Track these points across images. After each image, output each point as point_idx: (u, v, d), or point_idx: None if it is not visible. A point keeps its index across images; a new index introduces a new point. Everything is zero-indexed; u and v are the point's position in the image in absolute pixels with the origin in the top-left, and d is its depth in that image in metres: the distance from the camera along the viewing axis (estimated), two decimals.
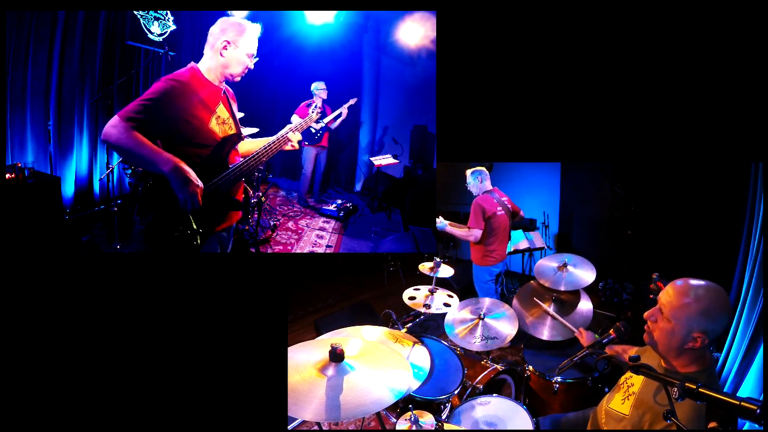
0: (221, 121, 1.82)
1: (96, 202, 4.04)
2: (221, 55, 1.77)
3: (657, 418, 1.31)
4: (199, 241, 1.75)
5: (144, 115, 1.59)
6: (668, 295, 1.33)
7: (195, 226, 1.73)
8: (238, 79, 1.84)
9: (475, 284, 3.31)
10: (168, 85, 1.65)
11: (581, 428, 1.70)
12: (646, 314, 1.38)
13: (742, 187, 2.70)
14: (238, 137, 1.89)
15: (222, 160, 1.79)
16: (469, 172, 3.20)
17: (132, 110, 1.59)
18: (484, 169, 3.18)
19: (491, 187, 3.17)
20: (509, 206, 3.19)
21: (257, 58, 1.85)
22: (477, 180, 3.15)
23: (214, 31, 1.79)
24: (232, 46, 1.76)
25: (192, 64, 1.79)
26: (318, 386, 1.33)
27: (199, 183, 1.63)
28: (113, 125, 1.57)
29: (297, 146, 2.01)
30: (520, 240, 4.28)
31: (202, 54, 1.81)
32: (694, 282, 1.31)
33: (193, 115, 1.70)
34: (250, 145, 2.01)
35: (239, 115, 4.41)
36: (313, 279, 4.90)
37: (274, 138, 1.97)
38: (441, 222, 3.10)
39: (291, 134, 1.97)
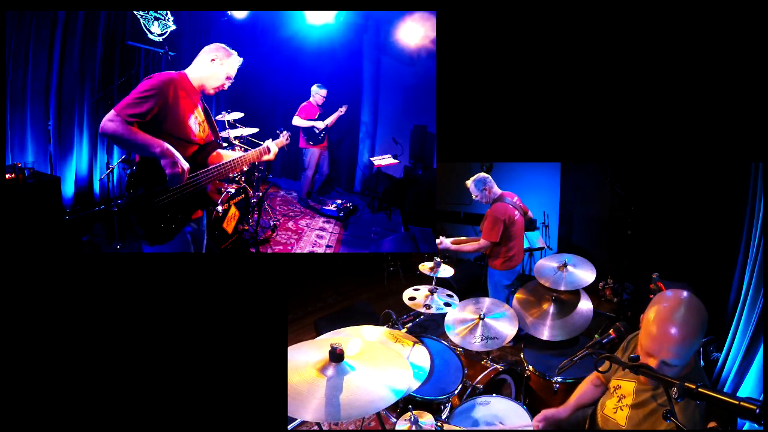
0: (199, 121, 2.03)
1: (96, 202, 4.03)
2: (208, 67, 2.03)
3: (656, 423, 1.31)
4: (174, 226, 1.94)
5: (137, 108, 1.78)
6: (655, 344, 1.27)
7: (172, 213, 1.94)
8: (211, 92, 2.08)
9: (491, 287, 3.14)
10: (157, 80, 1.84)
11: (582, 428, 1.70)
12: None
13: (742, 187, 2.70)
14: (217, 144, 2.13)
15: (203, 160, 2.02)
16: (470, 183, 2.96)
17: (126, 104, 1.78)
18: (485, 175, 2.96)
19: (500, 192, 3.00)
20: (521, 206, 3.05)
21: (231, 81, 2.12)
22: (483, 191, 2.93)
23: (208, 47, 2.07)
24: (218, 62, 2.04)
25: (182, 71, 2.02)
26: (318, 386, 1.33)
27: (185, 164, 1.87)
28: (110, 119, 1.76)
29: (272, 157, 2.32)
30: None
31: None
32: (673, 317, 1.26)
33: (176, 110, 1.90)
34: (227, 155, 2.23)
35: (239, 115, 4.43)
36: (313, 279, 4.90)
37: (253, 150, 2.27)
38: (443, 242, 2.97)
39: (272, 146, 2.30)
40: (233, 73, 2.12)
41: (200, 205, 2.06)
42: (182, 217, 1.96)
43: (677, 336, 1.24)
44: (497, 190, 3.00)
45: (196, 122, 2.02)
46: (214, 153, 2.10)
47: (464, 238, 3.14)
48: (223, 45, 2.11)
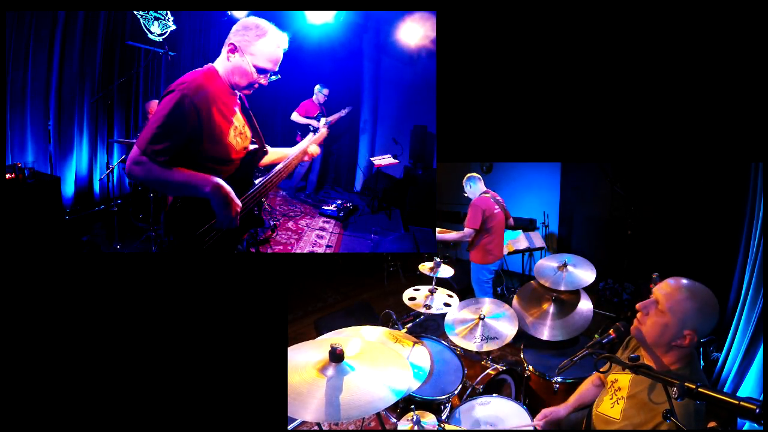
0: (238, 132, 1.64)
1: (96, 202, 4.04)
2: (227, 59, 1.55)
3: (652, 419, 1.31)
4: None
5: (165, 142, 1.40)
6: (665, 289, 1.35)
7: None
8: (248, 91, 1.64)
9: (474, 283, 3.41)
10: (180, 96, 1.41)
11: (579, 428, 1.70)
12: (639, 305, 1.41)
13: (742, 187, 2.70)
14: (263, 152, 1.74)
15: (247, 177, 1.65)
16: (464, 180, 3.42)
17: (150, 138, 1.40)
18: (475, 174, 3.41)
19: (485, 189, 3.35)
20: (503, 206, 3.36)
21: (278, 76, 1.62)
22: (468, 187, 3.38)
23: (235, 26, 1.56)
24: (238, 52, 1.53)
25: (209, 65, 1.57)
26: (318, 386, 1.33)
27: (239, 203, 1.51)
28: (136, 161, 1.42)
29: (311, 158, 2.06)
30: (520, 240, 4.28)
31: (202, 55, 1.74)
32: (688, 281, 1.35)
33: (211, 130, 1.50)
34: (273, 155, 1.91)
35: None
36: (313, 279, 4.90)
37: (294, 150, 1.94)
38: None
39: (311, 147, 2.02)
40: (270, 63, 1.55)
41: (249, 227, 1.73)
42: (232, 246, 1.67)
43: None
44: (482, 187, 3.35)
45: (236, 134, 1.59)
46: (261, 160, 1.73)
47: (448, 230, 3.45)
48: (255, 21, 1.53)
